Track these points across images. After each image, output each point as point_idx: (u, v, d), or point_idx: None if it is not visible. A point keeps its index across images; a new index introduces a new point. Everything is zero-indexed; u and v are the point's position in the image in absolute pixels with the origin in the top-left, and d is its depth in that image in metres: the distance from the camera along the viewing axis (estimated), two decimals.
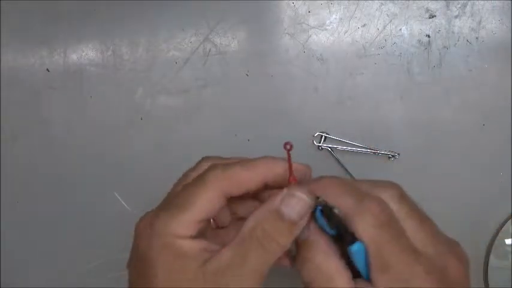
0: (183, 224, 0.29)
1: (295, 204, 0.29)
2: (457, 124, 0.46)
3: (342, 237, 0.28)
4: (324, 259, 0.29)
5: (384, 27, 0.46)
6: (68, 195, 0.48)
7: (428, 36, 0.46)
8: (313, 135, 0.46)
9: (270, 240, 0.29)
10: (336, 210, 0.29)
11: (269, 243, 0.29)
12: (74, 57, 0.47)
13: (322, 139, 0.46)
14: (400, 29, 0.46)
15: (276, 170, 0.31)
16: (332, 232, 0.29)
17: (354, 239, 0.28)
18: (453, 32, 0.45)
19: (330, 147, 0.46)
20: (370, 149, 0.46)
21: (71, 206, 0.48)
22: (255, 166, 0.31)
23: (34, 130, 0.48)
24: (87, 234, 0.43)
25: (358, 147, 0.46)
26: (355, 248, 0.27)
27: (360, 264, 0.28)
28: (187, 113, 0.46)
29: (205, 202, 0.30)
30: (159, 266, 0.29)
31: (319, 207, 0.29)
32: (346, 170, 0.46)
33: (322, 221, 0.29)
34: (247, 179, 0.31)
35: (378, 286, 0.28)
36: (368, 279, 0.28)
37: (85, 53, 0.47)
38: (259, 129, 0.46)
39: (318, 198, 0.29)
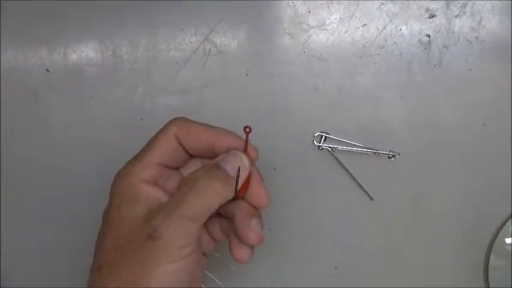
0: (143, 166, 0.33)
1: (232, 159, 0.33)
2: (457, 124, 0.46)
3: None
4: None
5: (384, 27, 0.46)
6: (67, 195, 0.48)
7: (429, 35, 0.46)
8: (313, 135, 0.46)
9: (203, 184, 0.32)
10: None
11: (203, 187, 0.31)
12: (73, 57, 0.47)
13: (322, 139, 0.46)
14: (400, 29, 0.45)
15: (225, 141, 0.34)
16: None
17: None
18: (453, 32, 0.45)
19: (330, 147, 0.46)
20: (370, 149, 0.46)
21: (71, 206, 0.48)
22: (211, 130, 0.34)
23: (33, 130, 0.48)
24: (88, 234, 0.43)
25: (359, 147, 0.46)
26: None
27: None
28: (187, 113, 0.44)
29: (162, 144, 0.34)
30: (115, 203, 0.32)
31: None
32: (346, 170, 0.46)
33: None
34: (200, 135, 0.34)
35: None
36: None
37: (85, 53, 0.47)
38: (259, 129, 0.44)
39: None
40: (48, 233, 0.48)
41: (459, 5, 0.45)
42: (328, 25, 0.46)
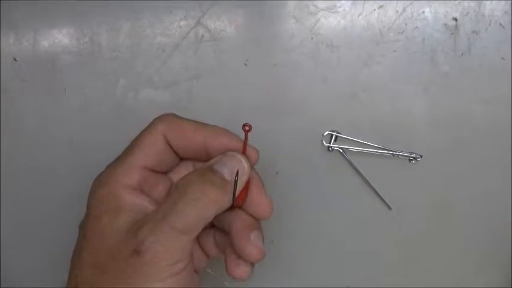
0: (127, 170, 0.32)
1: (228, 161, 0.32)
2: (488, 121, 0.44)
3: None
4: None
5: (404, 9, 0.44)
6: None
7: (456, 19, 0.44)
8: (323, 135, 0.45)
9: (196, 191, 0.30)
10: None
11: (196, 194, 0.30)
12: (45, 44, 0.47)
13: (333, 139, 0.45)
14: (423, 11, 0.44)
15: (221, 140, 0.33)
16: None
17: None
18: (484, 15, 0.44)
19: (341, 148, 0.45)
20: (387, 150, 0.44)
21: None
22: (205, 128, 0.33)
23: (3, 128, 0.48)
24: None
25: (374, 148, 0.45)
26: None
27: None
28: (176, 108, 0.42)
29: (148, 144, 0.33)
30: (94, 213, 0.31)
31: None
32: (360, 174, 0.44)
33: None
34: (191, 135, 0.33)
35: None
36: None
37: (58, 40, 0.47)
38: (260, 127, 0.42)
39: None
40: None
41: None
42: (340, 7, 0.45)
